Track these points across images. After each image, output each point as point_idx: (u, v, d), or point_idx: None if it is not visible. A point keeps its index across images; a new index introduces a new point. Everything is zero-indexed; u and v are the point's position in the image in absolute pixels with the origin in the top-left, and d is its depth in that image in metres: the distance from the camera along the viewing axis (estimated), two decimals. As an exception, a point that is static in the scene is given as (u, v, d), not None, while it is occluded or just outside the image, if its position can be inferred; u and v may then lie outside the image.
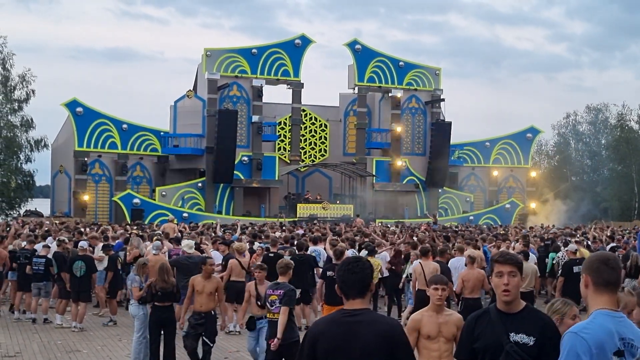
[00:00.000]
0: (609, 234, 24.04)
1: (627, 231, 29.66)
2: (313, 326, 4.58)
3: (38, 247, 16.68)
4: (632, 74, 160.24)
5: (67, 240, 17.37)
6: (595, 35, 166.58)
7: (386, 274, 16.75)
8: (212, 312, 10.96)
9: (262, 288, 10.38)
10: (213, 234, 22.69)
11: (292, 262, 10.80)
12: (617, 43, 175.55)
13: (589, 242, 20.16)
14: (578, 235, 22.93)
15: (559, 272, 15.56)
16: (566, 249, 16.25)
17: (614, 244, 20.22)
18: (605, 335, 3.69)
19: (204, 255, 15.67)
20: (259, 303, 10.28)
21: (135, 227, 27.02)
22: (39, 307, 16.08)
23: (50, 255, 16.05)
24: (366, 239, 20.48)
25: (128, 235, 19.31)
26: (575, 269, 14.69)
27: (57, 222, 32.64)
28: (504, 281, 4.56)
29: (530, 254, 16.35)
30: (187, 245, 15.42)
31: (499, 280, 4.59)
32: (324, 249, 17.28)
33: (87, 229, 24.77)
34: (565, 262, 15.61)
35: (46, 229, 23.31)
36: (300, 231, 25.49)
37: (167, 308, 11.18)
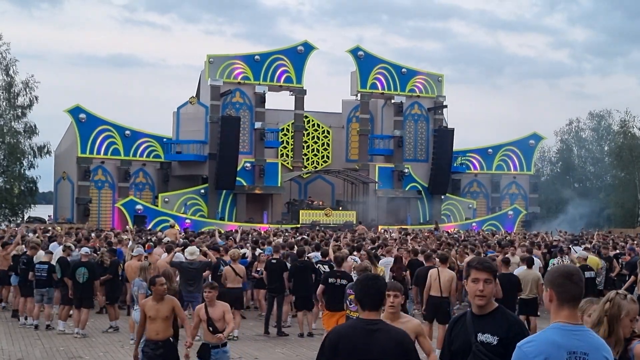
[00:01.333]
0: (609, 241, 24.00)
1: (631, 238, 29.58)
2: (334, 331, 5.04)
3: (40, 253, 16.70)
4: (634, 80, 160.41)
5: (73, 247, 17.38)
6: (597, 41, 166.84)
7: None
8: (171, 340, 9.36)
9: (215, 311, 9.52)
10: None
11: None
12: (619, 49, 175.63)
13: (600, 249, 20.12)
14: (587, 243, 22.90)
15: None
16: (577, 255, 16.27)
17: (618, 251, 20.19)
18: (550, 348, 3.79)
19: (206, 260, 15.72)
20: (211, 329, 9.43)
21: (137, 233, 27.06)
22: (41, 313, 16.08)
23: (53, 262, 16.06)
24: (369, 246, 20.52)
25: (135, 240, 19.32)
26: (586, 274, 14.74)
27: (59, 227, 32.65)
28: (479, 287, 4.81)
29: (534, 260, 16.34)
30: (190, 251, 15.45)
31: (475, 286, 4.83)
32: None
33: (93, 235, 24.82)
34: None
35: (49, 235, 23.33)
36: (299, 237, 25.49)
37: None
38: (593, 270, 15.16)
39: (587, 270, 14.92)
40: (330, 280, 12.82)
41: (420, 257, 16.16)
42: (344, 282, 12.62)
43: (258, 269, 17.08)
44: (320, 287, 12.85)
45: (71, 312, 15.52)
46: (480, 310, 4.83)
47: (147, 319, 9.28)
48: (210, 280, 15.53)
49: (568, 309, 3.95)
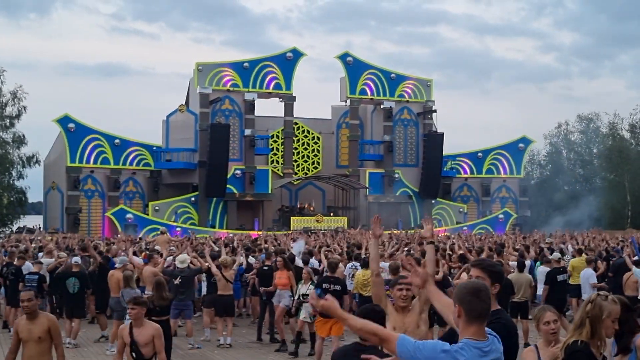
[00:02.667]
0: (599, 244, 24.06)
1: (620, 239, 29.62)
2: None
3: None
4: (622, 83, 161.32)
5: (62, 256, 17.26)
6: (584, 45, 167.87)
7: None
8: None
9: (142, 333, 7.95)
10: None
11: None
12: (606, 52, 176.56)
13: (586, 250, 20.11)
14: (576, 244, 22.92)
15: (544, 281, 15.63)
16: (550, 257, 16.29)
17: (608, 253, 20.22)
18: None
19: (197, 268, 15.64)
20: (134, 355, 8.00)
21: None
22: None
23: (42, 272, 15.95)
24: (359, 251, 20.46)
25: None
26: (559, 277, 14.79)
27: (49, 237, 32.45)
28: None
29: (525, 263, 16.34)
30: (180, 259, 15.37)
31: None
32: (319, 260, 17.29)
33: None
34: (548, 271, 15.65)
35: (39, 245, 23.19)
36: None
37: (164, 322, 11.12)
38: (566, 273, 15.19)
39: (560, 274, 14.93)
40: (324, 286, 12.76)
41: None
42: (337, 287, 12.58)
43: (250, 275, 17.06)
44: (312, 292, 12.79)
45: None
46: None
47: (21, 343, 7.72)
48: (205, 288, 15.50)
49: (476, 326, 3.97)
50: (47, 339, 7.57)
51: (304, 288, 13.45)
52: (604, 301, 4.88)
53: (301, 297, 13.38)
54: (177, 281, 14.61)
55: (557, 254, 16.49)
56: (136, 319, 7.95)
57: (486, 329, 4.04)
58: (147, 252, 18.05)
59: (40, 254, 18.37)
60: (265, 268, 15.59)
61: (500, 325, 4.61)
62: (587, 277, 15.94)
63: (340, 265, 16.04)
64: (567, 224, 46.94)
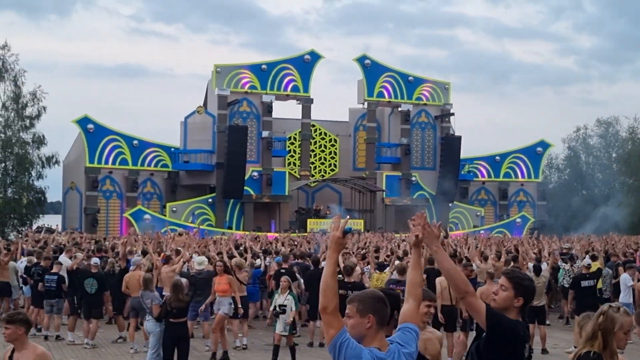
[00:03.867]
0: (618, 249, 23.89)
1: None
2: None
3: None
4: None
5: (79, 256, 17.39)
6: (604, 48, 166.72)
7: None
8: None
9: (22, 356, 6.38)
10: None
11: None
12: (626, 56, 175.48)
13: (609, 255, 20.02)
14: (592, 250, 22.79)
15: (568, 286, 15.54)
16: (582, 263, 16.18)
17: (628, 258, 20.10)
18: None
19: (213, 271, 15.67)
20: None
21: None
22: (51, 324, 16.11)
23: (62, 272, 16.08)
24: (376, 254, 20.45)
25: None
26: (584, 283, 14.68)
27: (65, 238, 32.66)
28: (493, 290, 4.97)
29: (542, 267, 16.28)
30: (198, 261, 15.43)
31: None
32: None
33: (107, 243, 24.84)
34: (574, 276, 15.56)
35: (58, 245, 23.32)
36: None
37: (182, 324, 11.23)
38: (593, 279, 15.05)
39: (586, 280, 14.82)
40: (341, 292, 12.68)
41: (437, 265, 16.05)
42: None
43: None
44: None
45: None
46: None
47: None
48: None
49: (382, 333, 4.08)
50: None
51: (281, 298, 12.78)
52: (615, 313, 4.86)
53: (277, 308, 12.70)
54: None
55: (587, 260, 16.39)
56: (12, 340, 6.42)
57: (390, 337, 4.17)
58: (165, 252, 18.15)
59: (62, 255, 18.49)
60: (282, 271, 15.62)
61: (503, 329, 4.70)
62: (624, 281, 15.82)
63: (357, 269, 16.07)
64: (585, 228, 46.61)
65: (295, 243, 26.39)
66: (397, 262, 16.50)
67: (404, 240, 29.26)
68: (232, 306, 13.85)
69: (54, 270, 16.03)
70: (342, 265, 14.83)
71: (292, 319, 12.77)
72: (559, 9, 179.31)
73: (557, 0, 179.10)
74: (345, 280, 13.06)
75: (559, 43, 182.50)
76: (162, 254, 16.77)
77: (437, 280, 13.71)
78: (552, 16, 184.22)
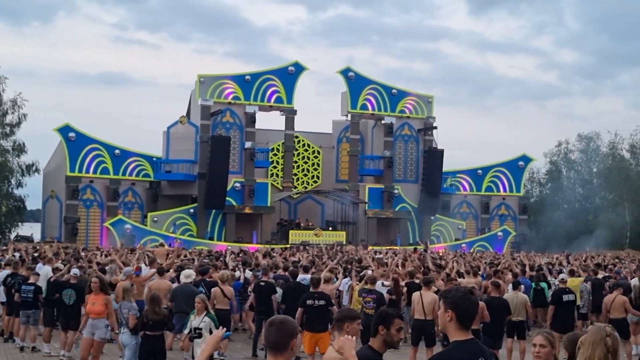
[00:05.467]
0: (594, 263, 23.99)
1: (619, 259, 29.58)
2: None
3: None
4: (622, 102, 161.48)
5: (61, 268, 17.22)
6: (586, 64, 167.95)
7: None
8: None
9: None
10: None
11: None
12: (608, 72, 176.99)
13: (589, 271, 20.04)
14: (570, 265, 22.89)
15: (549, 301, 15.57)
16: (558, 279, 16.21)
17: (606, 274, 20.16)
18: None
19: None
20: None
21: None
22: (27, 335, 15.90)
23: (39, 283, 15.88)
24: (359, 265, 20.45)
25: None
26: (565, 297, 14.69)
27: (47, 247, 32.40)
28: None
29: (521, 283, 16.30)
30: (185, 274, 15.29)
31: None
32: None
33: (83, 253, 24.61)
34: (554, 291, 15.58)
35: (36, 254, 23.10)
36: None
37: (158, 337, 11.11)
38: (573, 294, 15.05)
39: (567, 294, 14.83)
40: (309, 302, 12.79)
41: (417, 280, 16.05)
42: (322, 302, 12.70)
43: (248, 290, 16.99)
44: (299, 310, 12.76)
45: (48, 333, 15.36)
46: None
47: None
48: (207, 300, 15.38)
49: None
50: None
51: (197, 320, 11.37)
52: (613, 332, 4.85)
53: (193, 332, 11.32)
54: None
55: (564, 275, 16.45)
56: None
57: None
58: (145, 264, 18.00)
59: (37, 265, 18.27)
60: (262, 284, 15.52)
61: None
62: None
63: (334, 281, 16.09)
64: (566, 242, 46.91)
65: (273, 256, 26.28)
66: (368, 272, 16.59)
67: (381, 253, 29.33)
68: (109, 330, 12.89)
69: (31, 280, 15.84)
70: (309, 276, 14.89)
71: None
72: (541, 24, 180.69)
73: (540, 15, 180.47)
74: (312, 290, 13.22)
75: (542, 58, 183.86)
76: (136, 267, 16.64)
77: (413, 294, 13.83)
78: (534, 31, 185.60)
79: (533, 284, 18.16)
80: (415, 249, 36.29)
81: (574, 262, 24.88)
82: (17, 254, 23.43)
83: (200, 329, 11.16)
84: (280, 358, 4.45)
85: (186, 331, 11.55)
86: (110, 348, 15.72)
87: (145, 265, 17.74)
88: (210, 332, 10.67)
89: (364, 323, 12.91)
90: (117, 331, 13.27)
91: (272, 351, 4.46)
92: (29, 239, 42.22)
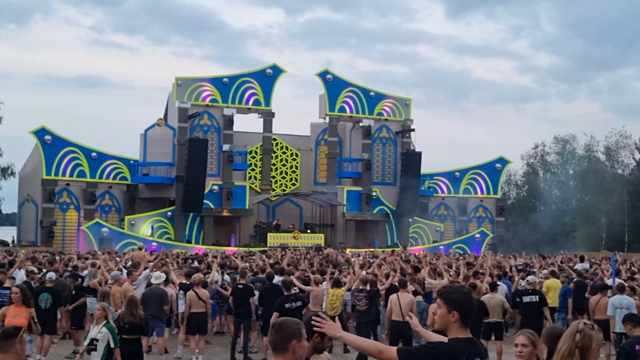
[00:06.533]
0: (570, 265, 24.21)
1: (597, 261, 29.81)
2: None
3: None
4: (597, 105, 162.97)
5: (35, 271, 17.11)
6: (561, 67, 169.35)
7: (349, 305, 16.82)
8: None
9: None
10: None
11: None
12: (583, 75, 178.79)
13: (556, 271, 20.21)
14: (542, 266, 23.07)
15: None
16: (527, 279, 16.29)
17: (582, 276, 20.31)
18: None
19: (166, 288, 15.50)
20: None
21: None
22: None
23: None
24: (334, 269, 20.52)
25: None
26: (525, 298, 14.80)
27: (23, 251, 32.10)
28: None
29: (498, 285, 16.38)
30: (156, 276, 15.24)
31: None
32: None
33: (57, 258, 24.38)
34: (514, 292, 15.69)
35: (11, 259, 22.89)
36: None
37: (135, 341, 11.05)
38: (537, 295, 15.09)
39: (528, 295, 14.91)
40: (287, 305, 12.82)
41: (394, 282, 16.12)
42: (299, 304, 12.79)
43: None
44: (275, 314, 12.71)
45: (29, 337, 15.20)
46: None
47: None
48: (183, 306, 15.28)
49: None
50: None
51: (95, 330, 10.27)
52: (591, 330, 4.88)
53: (93, 343, 10.20)
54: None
55: (532, 277, 16.56)
56: None
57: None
58: (126, 268, 17.95)
59: (13, 270, 18.09)
60: (240, 287, 15.49)
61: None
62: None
63: (315, 285, 16.14)
64: (543, 244, 47.26)
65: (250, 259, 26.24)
66: (363, 272, 16.74)
67: (359, 255, 29.39)
68: (31, 345, 12.27)
69: (6, 284, 15.67)
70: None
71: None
72: (518, 27, 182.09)
73: (516, 19, 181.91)
74: (287, 294, 13.30)
75: (518, 61, 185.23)
76: (117, 268, 16.57)
77: (390, 296, 13.94)
78: (511, 34, 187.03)
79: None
80: (393, 251, 36.42)
81: (548, 264, 25.05)
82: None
83: (97, 340, 10.06)
84: (281, 359, 4.51)
85: (85, 342, 10.44)
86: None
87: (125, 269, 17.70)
88: (108, 344, 9.99)
89: (358, 319, 14.94)
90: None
91: (274, 352, 4.55)
92: (5, 243, 41.76)
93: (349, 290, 16.65)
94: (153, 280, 15.16)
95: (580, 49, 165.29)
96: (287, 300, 12.98)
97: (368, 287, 15.48)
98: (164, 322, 14.60)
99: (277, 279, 16.18)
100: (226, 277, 18.28)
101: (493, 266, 21.62)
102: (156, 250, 37.99)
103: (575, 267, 22.94)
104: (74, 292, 16.40)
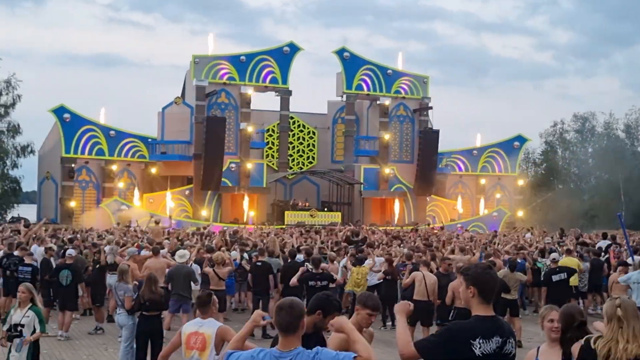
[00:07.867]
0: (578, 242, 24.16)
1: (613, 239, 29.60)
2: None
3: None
4: (617, 82, 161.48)
5: (54, 248, 17.30)
6: (580, 43, 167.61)
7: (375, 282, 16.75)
8: None
9: None
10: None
11: None
12: (602, 51, 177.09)
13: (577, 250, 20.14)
14: (565, 245, 22.97)
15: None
16: (551, 257, 16.27)
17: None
18: None
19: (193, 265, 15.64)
20: None
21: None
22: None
23: (36, 263, 15.94)
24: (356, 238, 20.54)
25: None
26: (555, 277, 14.81)
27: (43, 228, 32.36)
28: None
29: (517, 263, 16.37)
30: (180, 254, 15.35)
31: None
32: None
33: (79, 236, 24.60)
34: (545, 271, 15.69)
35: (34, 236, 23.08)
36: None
37: (155, 318, 11.15)
38: (565, 272, 15.10)
39: (557, 274, 14.92)
40: (311, 283, 12.86)
41: (413, 260, 16.12)
42: (324, 283, 12.77)
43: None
44: (296, 284, 12.85)
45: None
46: None
47: None
48: (199, 282, 15.41)
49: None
50: None
51: (18, 315, 9.15)
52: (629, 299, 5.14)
53: (13, 329, 9.10)
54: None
55: (555, 254, 16.56)
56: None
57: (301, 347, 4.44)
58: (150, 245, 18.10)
59: (34, 246, 18.30)
60: (259, 264, 15.60)
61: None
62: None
63: (335, 263, 16.20)
64: (560, 223, 46.98)
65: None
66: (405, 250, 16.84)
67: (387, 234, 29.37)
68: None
69: (27, 261, 15.87)
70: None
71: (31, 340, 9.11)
72: (535, 4, 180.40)
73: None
74: (314, 271, 13.23)
75: (536, 38, 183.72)
76: (137, 244, 16.71)
77: (416, 274, 13.88)
78: (528, 11, 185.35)
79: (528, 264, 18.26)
80: (414, 229, 36.41)
81: (567, 241, 24.97)
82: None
83: (23, 325, 9.04)
84: (293, 338, 4.52)
85: (5, 328, 9.31)
86: (108, 329, 15.83)
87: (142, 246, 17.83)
88: (34, 330, 9.05)
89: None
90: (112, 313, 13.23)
91: (284, 334, 4.52)
92: (26, 224, 42.05)
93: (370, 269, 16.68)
94: (177, 259, 15.24)
95: (598, 25, 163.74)
96: (312, 277, 13.01)
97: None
98: (192, 299, 14.73)
99: (299, 256, 16.30)
100: (245, 255, 18.40)
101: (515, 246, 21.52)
102: (177, 227, 38.30)
103: (598, 244, 22.89)
104: (95, 267, 16.57)
